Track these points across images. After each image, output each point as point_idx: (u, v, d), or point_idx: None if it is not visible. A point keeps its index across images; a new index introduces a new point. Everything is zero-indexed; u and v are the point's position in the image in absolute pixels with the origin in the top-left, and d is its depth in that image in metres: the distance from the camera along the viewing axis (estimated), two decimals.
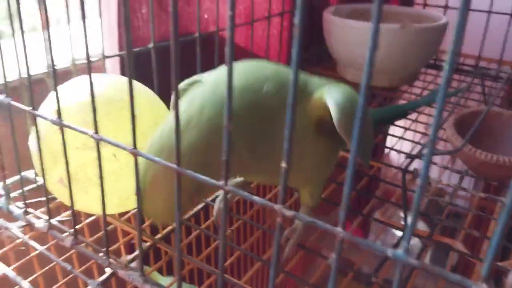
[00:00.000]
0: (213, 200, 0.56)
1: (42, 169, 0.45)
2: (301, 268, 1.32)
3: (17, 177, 0.56)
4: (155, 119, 0.47)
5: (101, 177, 0.39)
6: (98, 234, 0.52)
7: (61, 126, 0.40)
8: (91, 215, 0.55)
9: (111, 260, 0.43)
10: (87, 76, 0.52)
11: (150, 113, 0.47)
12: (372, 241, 0.27)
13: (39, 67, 0.65)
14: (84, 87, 0.47)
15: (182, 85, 0.45)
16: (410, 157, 0.50)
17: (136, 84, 0.49)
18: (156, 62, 0.64)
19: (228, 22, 0.26)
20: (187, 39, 0.70)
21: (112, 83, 0.48)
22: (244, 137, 0.40)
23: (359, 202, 1.04)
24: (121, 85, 0.47)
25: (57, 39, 0.73)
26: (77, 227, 0.52)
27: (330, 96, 0.41)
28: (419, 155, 0.50)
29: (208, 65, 0.84)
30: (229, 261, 0.52)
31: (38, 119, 0.45)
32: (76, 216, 0.55)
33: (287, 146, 0.28)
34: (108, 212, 0.48)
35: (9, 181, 0.56)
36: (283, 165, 0.28)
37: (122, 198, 0.46)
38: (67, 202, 0.48)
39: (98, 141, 0.38)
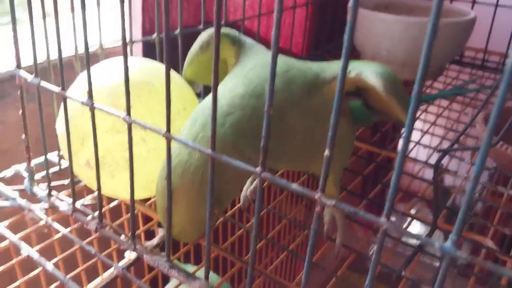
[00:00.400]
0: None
1: (69, 152, 0.44)
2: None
3: (41, 159, 0.56)
4: (184, 104, 0.46)
5: (131, 161, 0.38)
6: (121, 219, 0.52)
7: (92, 108, 0.39)
8: (112, 200, 0.55)
9: (137, 244, 0.43)
10: (115, 60, 0.52)
11: (178, 98, 0.46)
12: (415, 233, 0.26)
13: (65, 50, 0.64)
14: (112, 70, 0.46)
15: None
16: (442, 151, 0.49)
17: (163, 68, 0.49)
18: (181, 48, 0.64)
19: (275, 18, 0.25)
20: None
21: (140, 66, 0.47)
22: (250, 135, 0.39)
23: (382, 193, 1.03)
24: (148, 68, 0.47)
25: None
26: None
27: (360, 69, 0.41)
28: (449, 150, 0.49)
29: None
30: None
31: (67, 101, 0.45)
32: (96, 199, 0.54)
33: (331, 133, 0.27)
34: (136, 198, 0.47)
35: (33, 163, 0.56)
36: (326, 153, 0.28)
37: (148, 182, 0.45)
38: (93, 186, 0.48)
39: (130, 124, 0.37)
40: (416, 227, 1.41)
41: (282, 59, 0.43)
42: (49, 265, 0.42)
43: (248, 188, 0.53)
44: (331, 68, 0.43)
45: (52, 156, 0.58)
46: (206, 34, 0.49)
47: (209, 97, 0.42)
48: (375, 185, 0.58)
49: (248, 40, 0.48)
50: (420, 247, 0.46)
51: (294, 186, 0.29)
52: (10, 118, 0.72)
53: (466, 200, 0.24)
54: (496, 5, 0.92)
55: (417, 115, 0.77)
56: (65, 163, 0.57)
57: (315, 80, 0.42)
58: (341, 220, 0.48)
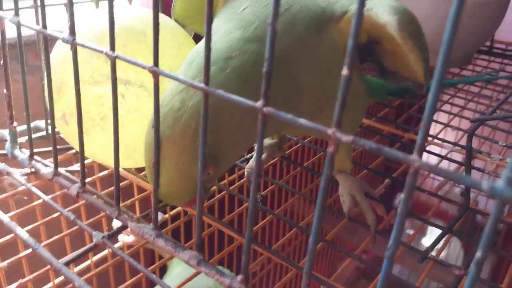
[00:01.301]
0: (242, 162, 0.49)
1: (50, 99, 0.39)
2: (327, 263, 1.24)
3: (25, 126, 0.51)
4: (177, 45, 0.40)
5: (115, 108, 0.33)
6: (110, 189, 0.46)
7: (74, 45, 0.34)
8: (105, 168, 0.49)
9: (122, 211, 0.37)
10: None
11: (171, 40, 0.40)
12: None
13: None
14: (102, 16, 0.41)
15: None
16: (478, 120, 0.42)
17: (166, 19, 0.43)
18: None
19: None
20: None
21: (135, 15, 0.42)
22: (255, 82, 0.33)
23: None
24: (144, 17, 0.41)
25: None
26: (88, 179, 0.47)
27: (371, 4, 0.34)
28: (489, 118, 0.43)
29: None
30: (259, 225, 0.45)
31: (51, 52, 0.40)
32: (87, 168, 0.49)
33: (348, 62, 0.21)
34: (111, 162, 0.42)
35: (19, 129, 0.51)
36: (344, 71, 0.22)
37: (128, 149, 0.39)
38: (73, 144, 0.42)
39: (113, 60, 0.32)
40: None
41: None
42: (20, 230, 0.37)
43: (253, 160, 0.47)
44: (340, 1, 0.36)
45: (41, 123, 0.53)
46: None
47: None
48: (398, 166, 0.52)
49: None
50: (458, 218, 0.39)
51: (302, 121, 0.24)
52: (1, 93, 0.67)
53: None
54: None
55: (444, 99, 0.70)
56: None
57: (321, 16, 0.35)
58: (363, 202, 0.41)
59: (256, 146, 0.26)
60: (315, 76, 0.36)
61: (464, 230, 1.21)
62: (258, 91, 0.33)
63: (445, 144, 0.57)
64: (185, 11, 0.44)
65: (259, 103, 0.25)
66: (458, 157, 0.61)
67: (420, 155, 0.21)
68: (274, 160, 0.50)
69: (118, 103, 0.35)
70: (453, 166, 0.54)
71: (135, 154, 0.40)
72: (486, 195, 0.22)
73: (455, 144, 0.57)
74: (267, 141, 0.48)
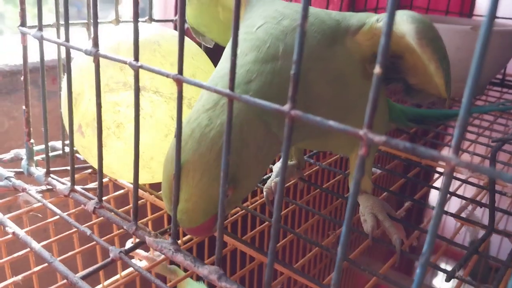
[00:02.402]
0: (260, 182, 0.49)
1: (70, 115, 0.39)
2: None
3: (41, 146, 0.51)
4: (193, 71, 0.41)
5: (137, 115, 0.32)
6: (125, 208, 0.46)
7: (96, 56, 0.34)
8: (120, 188, 0.49)
9: (139, 227, 0.37)
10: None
11: (188, 63, 0.40)
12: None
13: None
14: (118, 32, 0.42)
15: None
16: (500, 140, 0.42)
17: (172, 30, 0.44)
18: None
19: None
20: None
21: (151, 29, 0.42)
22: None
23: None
24: (159, 31, 0.42)
25: None
26: (103, 198, 0.46)
27: (404, 26, 0.34)
28: (509, 139, 0.42)
29: None
30: (279, 245, 0.44)
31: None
32: (103, 184, 0.49)
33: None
34: (128, 175, 0.41)
35: (35, 148, 0.51)
36: (377, 70, 0.22)
37: (145, 158, 0.39)
38: (87, 156, 0.42)
39: (137, 70, 0.32)
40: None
41: (293, 6, 0.37)
42: (35, 244, 0.36)
43: (272, 179, 0.46)
44: (357, 15, 0.36)
45: (58, 143, 0.53)
46: None
47: (225, 61, 0.37)
48: (417, 189, 0.51)
49: None
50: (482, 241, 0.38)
51: (332, 122, 0.23)
52: (22, 113, 0.68)
53: None
54: None
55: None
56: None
57: (336, 29, 0.35)
58: (386, 221, 0.40)
59: (282, 154, 0.26)
60: (331, 88, 0.35)
61: (477, 274, 1.18)
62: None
63: (462, 169, 0.56)
64: (197, 18, 0.44)
65: (286, 107, 0.25)
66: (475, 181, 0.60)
67: (457, 154, 0.20)
68: (292, 182, 0.49)
69: (132, 109, 0.35)
70: (472, 191, 0.53)
71: (151, 163, 0.40)
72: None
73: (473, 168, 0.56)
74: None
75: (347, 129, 0.23)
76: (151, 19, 0.53)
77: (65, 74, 0.37)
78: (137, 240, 0.38)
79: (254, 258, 0.40)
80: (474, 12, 1.10)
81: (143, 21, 0.53)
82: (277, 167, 0.48)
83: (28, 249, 0.37)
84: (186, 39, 0.44)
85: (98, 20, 0.50)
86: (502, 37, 0.74)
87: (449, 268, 0.36)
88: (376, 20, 0.35)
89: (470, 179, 0.55)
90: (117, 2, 0.50)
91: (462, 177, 0.53)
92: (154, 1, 0.83)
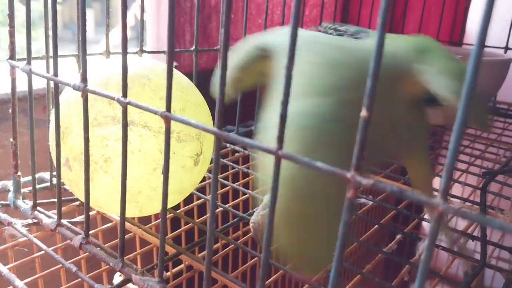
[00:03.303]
0: (250, 215, 0.48)
1: (58, 149, 0.38)
2: None
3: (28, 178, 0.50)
4: (183, 104, 0.40)
5: (124, 152, 0.32)
6: (113, 242, 0.45)
7: (84, 92, 0.34)
8: (108, 221, 0.48)
9: (125, 263, 0.36)
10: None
11: (177, 97, 0.40)
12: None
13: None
14: (107, 65, 0.42)
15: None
16: (490, 173, 0.41)
17: (162, 63, 0.44)
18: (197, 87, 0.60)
19: None
20: None
21: (141, 62, 0.42)
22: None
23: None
24: (150, 65, 0.42)
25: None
26: (91, 232, 0.46)
27: (437, 83, 0.33)
28: (501, 171, 0.42)
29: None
30: (270, 280, 0.43)
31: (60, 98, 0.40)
32: (90, 220, 0.48)
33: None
34: (116, 209, 0.41)
35: (22, 180, 0.50)
36: (363, 113, 0.22)
37: (132, 192, 0.38)
38: (74, 190, 0.41)
39: (125, 106, 0.31)
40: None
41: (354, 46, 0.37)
42: (19, 282, 0.35)
43: (259, 212, 0.45)
44: (401, 54, 0.36)
45: (46, 174, 0.52)
46: (244, 53, 0.42)
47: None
48: (409, 219, 0.51)
49: (280, 41, 0.40)
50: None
51: (319, 164, 0.23)
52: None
53: None
54: None
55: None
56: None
57: (386, 71, 0.35)
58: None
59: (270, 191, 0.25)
60: (385, 126, 0.35)
61: None
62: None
63: (454, 200, 0.56)
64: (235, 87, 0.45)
65: (273, 147, 0.24)
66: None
67: (445, 199, 0.20)
68: None
69: (119, 143, 0.35)
70: (464, 220, 0.53)
71: (139, 197, 0.39)
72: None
73: (465, 199, 0.56)
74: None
75: (334, 171, 0.22)
76: (142, 51, 0.53)
77: (54, 107, 0.37)
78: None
79: None
80: (464, 40, 1.12)
81: (134, 53, 0.53)
82: (266, 198, 0.48)
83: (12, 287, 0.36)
84: (176, 72, 0.44)
85: (88, 53, 0.50)
86: (492, 67, 0.74)
87: None
88: (420, 70, 0.35)
89: None
90: (108, 33, 0.51)
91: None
92: (147, 31, 0.84)
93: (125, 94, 0.32)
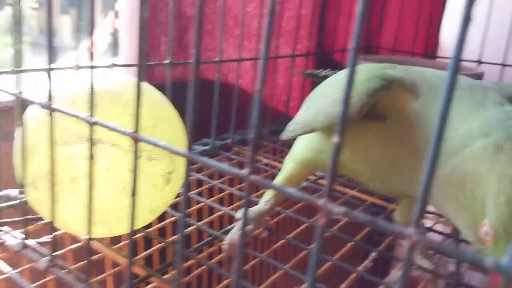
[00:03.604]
0: (225, 233, 0.47)
1: (24, 168, 0.37)
2: None
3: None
4: (155, 121, 0.39)
5: (90, 172, 0.31)
6: (83, 262, 0.43)
7: (51, 110, 0.33)
8: (78, 240, 0.46)
9: (92, 287, 0.35)
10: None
11: (149, 113, 0.39)
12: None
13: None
14: (76, 81, 0.40)
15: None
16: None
17: (143, 83, 0.43)
18: (171, 100, 0.59)
19: None
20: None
21: (112, 78, 0.41)
22: None
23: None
24: (122, 80, 0.41)
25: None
26: (59, 252, 0.44)
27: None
28: None
29: (224, 110, 0.78)
30: None
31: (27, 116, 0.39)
32: (59, 239, 0.46)
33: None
34: (84, 230, 0.39)
35: None
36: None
37: (101, 212, 0.37)
38: (42, 213, 0.40)
39: (91, 125, 0.30)
40: None
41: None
42: None
43: (235, 232, 0.45)
44: (461, 134, 0.34)
45: (13, 191, 0.50)
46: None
47: None
48: (383, 238, 0.50)
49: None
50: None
51: (291, 190, 0.22)
52: None
53: None
54: (503, 65, 0.89)
55: None
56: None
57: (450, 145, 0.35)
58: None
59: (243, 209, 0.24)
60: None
61: None
62: None
63: (429, 215, 0.56)
64: None
65: (245, 171, 0.24)
66: (440, 227, 0.60)
67: (417, 229, 0.19)
68: (259, 231, 0.48)
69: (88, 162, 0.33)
70: (438, 238, 0.53)
71: (108, 218, 0.38)
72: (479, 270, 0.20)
73: (440, 215, 0.56)
74: (260, 207, 0.46)
75: (304, 198, 0.22)
76: (115, 65, 0.52)
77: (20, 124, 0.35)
78: None
79: None
80: (438, 52, 1.13)
81: (106, 66, 0.52)
82: (238, 214, 0.47)
83: None
84: (148, 87, 0.43)
85: (59, 66, 0.49)
86: None
87: None
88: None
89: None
90: (78, 47, 0.49)
91: (429, 224, 0.53)
92: (121, 42, 0.82)
93: (91, 113, 0.31)
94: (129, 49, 0.82)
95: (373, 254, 0.46)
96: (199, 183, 0.62)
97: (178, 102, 0.45)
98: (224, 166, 0.24)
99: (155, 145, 0.27)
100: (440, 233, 0.52)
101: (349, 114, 0.35)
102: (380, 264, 0.91)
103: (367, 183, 0.42)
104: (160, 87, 0.63)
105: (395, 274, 0.42)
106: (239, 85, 0.94)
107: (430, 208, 0.62)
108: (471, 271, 0.48)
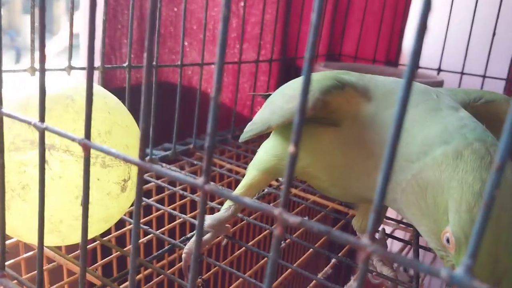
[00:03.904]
0: (185, 240, 0.46)
1: None
2: None
3: None
4: (110, 127, 0.38)
5: (41, 180, 0.30)
6: (35, 272, 0.41)
7: (1, 115, 0.31)
8: (32, 249, 0.45)
9: None
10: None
11: (104, 118, 0.38)
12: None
13: None
14: (30, 84, 0.39)
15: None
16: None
17: (96, 86, 0.41)
18: (130, 104, 0.57)
19: None
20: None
21: (65, 81, 0.40)
22: None
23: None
24: (76, 84, 0.39)
25: None
26: (12, 261, 0.43)
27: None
28: None
29: (187, 114, 0.78)
30: None
31: None
32: (12, 247, 0.44)
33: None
34: (36, 239, 0.38)
35: None
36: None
37: (53, 221, 0.36)
38: None
39: (42, 132, 0.29)
40: None
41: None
42: None
43: (194, 240, 0.44)
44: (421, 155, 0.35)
45: None
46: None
47: None
48: (344, 244, 0.51)
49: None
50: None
51: (247, 200, 0.22)
52: None
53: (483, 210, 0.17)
54: (462, 73, 0.91)
55: None
56: None
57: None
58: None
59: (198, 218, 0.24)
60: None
61: None
62: None
63: (389, 221, 0.57)
64: None
65: (200, 180, 0.23)
66: (400, 234, 0.60)
67: (372, 240, 0.19)
68: (219, 239, 0.47)
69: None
70: (397, 244, 0.53)
71: (61, 227, 0.37)
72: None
73: (399, 221, 0.56)
74: (220, 215, 0.45)
75: (262, 208, 0.22)
76: (71, 67, 0.51)
77: None
78: None
79: None
80: (400, 60, 1.15)
81: (62, 70, 0.50)
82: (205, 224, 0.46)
83: None
84: (103, 91, 0.42)
85: (12, 68, 0.47)
86: None
87: None
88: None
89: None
90: (33, 49, 0.48)
91: (388, 230, 0.53)
92: (80, 45, 0.80)
93: (42, 119, 0.29)
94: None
95: (333, 261, 0.46)
96: (160, 189, 0.60)
97: (138, 106, 0.44)
98: (178, 174, 0.24)
99: (107, 152, 0.26)
100: (400, 239, 0.53)
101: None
102: (343, 269, 0.92)
103: (328, 189, 0.42)
104: (122, 90, 0.62)
105: (352, 284, 0.42)
106: (204, 89, 0.94)
107: (390, 213, 0.63)
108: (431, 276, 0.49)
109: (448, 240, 0.31)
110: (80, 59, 0.79)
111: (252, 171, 0.46)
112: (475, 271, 0.30)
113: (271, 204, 0.58)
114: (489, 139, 0.33)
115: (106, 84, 0.65)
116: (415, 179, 0.33)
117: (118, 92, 0.60)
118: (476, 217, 0.29)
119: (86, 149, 0.27)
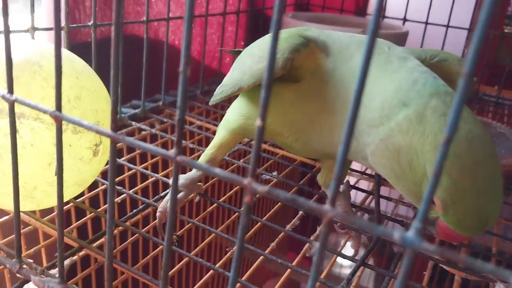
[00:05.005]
0: (159, 199, 0.48)
1: None
2: None
3: None
4: (79, 92, 0.38)
5: (14, 150, 0.30)
6: (12, 236, 0.43)
7: None
8: (7, 213, 0.45)
9: (23, 264, 0.34)
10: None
11: (72, 83, 0.38)
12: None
13: None
14: None
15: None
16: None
17: (65, 51, 0.41)
18: (97, 57, 0.56)
19: None
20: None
21: (32, 47, 0.39)
22: None
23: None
24: (42, 48, 0.39)
25: None
26: None
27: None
28: None
29: (156, 68, 0.77)
30: (174, 270, 0.43)
31: None
32: None
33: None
34: (10, 205, 0.39)
35: None
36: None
37: (27, 188, 0.37)
38: None
39: (12, 103, 0.29)
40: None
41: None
42: None
43: (167, 200, 0.45)
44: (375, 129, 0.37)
45: None
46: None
47: None
48: (311, 196, 0.53)
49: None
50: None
51: (218, 171, 0.23)
52: None
53: (433, 173, 0.18)
54: (426, 23, 0.92)
55: None
56: None
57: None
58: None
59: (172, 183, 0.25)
60: None
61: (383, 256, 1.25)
62: None
63: (353, 173, 0.59)
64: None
65: (172, 152, 0.24)
66: (365, 184, 0.63)
67: (333, 205, 0.21)
68: (191, 196, 0.48)
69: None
70: (361, 194, 0.56)
71: (35, 193, 0.37)
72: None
73: (362, 173, 0.59)
74: (193, 174, 0.46)
75: (231, 178, 0.23)
76: (34, 28, 0.49)
77: None
78: None
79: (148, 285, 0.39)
80: (368, 10, 1.16)
81: (24, 31, 0.49)
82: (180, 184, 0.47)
83: None
84: (70, 55, 0.41)
85: None
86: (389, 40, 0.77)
87: None
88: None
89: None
90: None
91: (352, 181, 0.56)
92: (43, 3, 0.77)
93: (11, 90, 0.29)
94: (51, 10, 0.77)
95: (300, 212, 0.48)
96: (131, 149, 0.61)
97: (106, 61, 0.44)
98: (151, 147, 0.25)
99: (79, 124, 0.26)
100: (363, 190, 0.55)
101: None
102: (310, 220, 0.96)
103: (292, 145, 0.44)
104: (87, 45, 0.61)
105: (315, 245, 0.45)
106: (171, 42, 0.92)
107: (355, 165, 0.66)
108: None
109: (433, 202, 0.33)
110: (42, 18, 0.77)
111: (222, 131, 0.47)
112: (465, 224, 0.33)
113: (241, 160, 0.59)
114: (441, 88, 0.34)
115: (70, 40, 0.64)
116: (384, 143, 0.35)
117: (82, 48, 0.59)
118: (456, 179, 0.32)
119: (58, 121, 0.27)
